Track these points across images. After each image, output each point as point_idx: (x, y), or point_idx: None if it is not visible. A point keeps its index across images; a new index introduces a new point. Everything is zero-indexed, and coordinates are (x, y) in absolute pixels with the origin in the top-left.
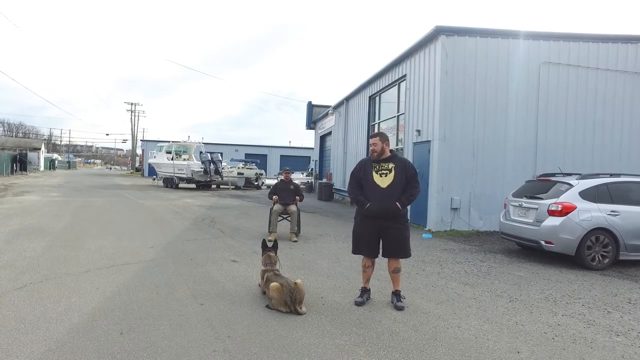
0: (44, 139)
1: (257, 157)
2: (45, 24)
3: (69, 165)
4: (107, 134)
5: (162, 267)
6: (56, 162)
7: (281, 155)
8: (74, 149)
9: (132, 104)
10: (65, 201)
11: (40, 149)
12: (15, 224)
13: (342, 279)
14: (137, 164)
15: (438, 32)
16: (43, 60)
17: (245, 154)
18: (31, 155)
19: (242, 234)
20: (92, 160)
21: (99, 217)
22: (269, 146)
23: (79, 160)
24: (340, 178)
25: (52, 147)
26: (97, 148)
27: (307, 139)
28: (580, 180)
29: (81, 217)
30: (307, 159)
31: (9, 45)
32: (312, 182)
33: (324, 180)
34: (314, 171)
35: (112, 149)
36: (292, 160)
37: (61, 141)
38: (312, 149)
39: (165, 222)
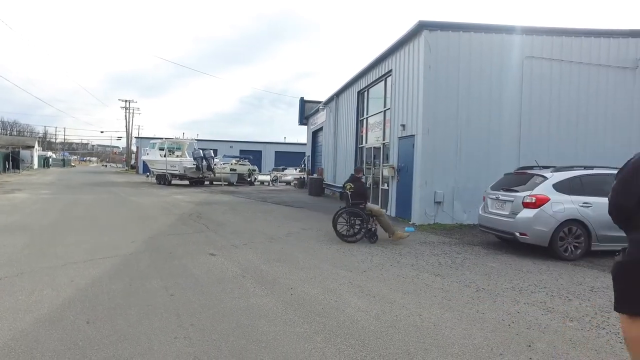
0: (39, 137)
1: (252, 154)
2: (39, 23)
3: (64, 163)
4: (102, 132)
5: (139, 261)
6: (50, 160)
7: (276, 152)
8: (69, 147)
9: (126, 101)
10: (54, 198)
11: (33, 146)
12: (0, 221)
13: (315, 270)
14: (132, 161)
15: (421, 27)
16: (37, 59)
17: (240, 151)
18: (24, 153)
19: (226, 228)
20: (88, 158)
21: (86, 214)
22: (263, 142)
23: (74, 158)
24: (330, 173)
25: (47, 145)
26: (93, 146)
27: (302, 135)
28: (554, 173)
29: (68, 213)
30: (302, 154)
31: (2, 45)
32: (304, 177)
33: (315, 175)
34: (306, 166)
35: (107, 146)
36: (287, 157)
37: (56, 139)
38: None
39: (151, 217)
